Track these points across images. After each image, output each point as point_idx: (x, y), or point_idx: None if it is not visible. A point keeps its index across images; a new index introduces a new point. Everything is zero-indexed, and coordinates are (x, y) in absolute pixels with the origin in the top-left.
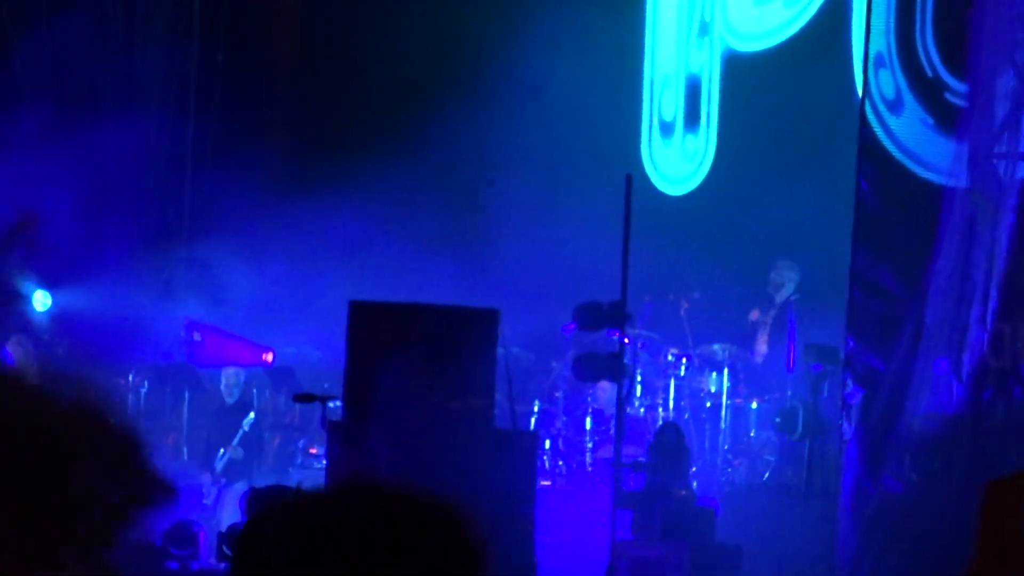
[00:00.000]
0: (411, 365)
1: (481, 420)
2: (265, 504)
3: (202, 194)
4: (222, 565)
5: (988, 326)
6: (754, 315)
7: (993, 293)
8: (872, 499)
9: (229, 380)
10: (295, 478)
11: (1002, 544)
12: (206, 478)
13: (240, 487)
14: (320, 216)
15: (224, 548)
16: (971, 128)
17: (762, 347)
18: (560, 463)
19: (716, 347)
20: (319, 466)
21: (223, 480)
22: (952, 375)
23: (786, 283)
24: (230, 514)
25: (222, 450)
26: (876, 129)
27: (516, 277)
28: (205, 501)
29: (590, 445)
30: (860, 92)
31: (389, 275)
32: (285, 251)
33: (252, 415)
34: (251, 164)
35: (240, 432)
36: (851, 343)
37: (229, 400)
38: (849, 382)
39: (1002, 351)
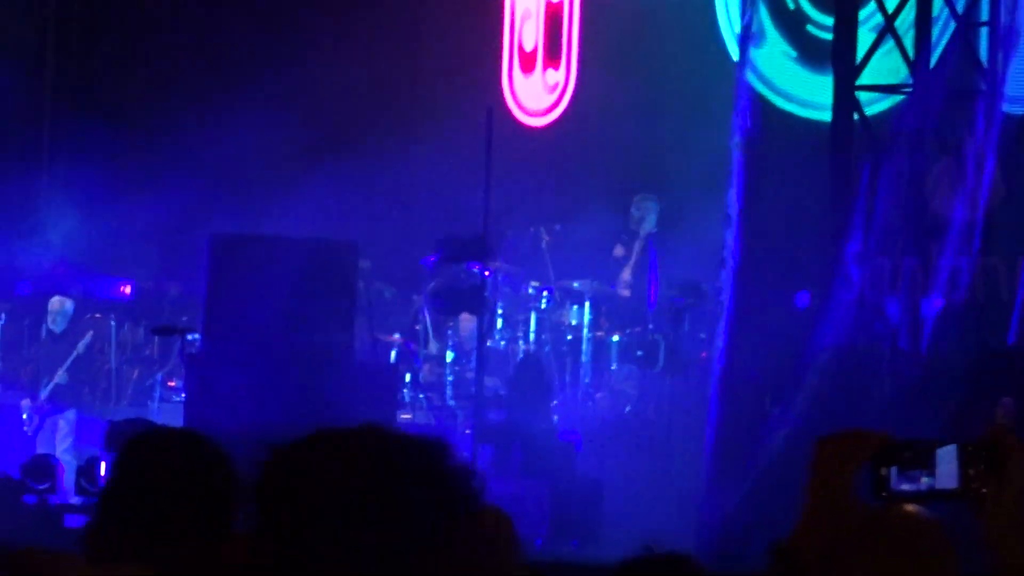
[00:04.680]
0: (270, 298)
1: (341, 354)
2: (278, 449)
3: (63, 127)
4: (80, 499)
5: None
6: (618, 251)
7: (874, 227)
8: (732, 437)
9: (53, 308)
10: (153, 411)
11: (827, 502)
12: (26, 404)
13: (70, 415)
14: (181, 147)
15: (83, 482)
16: (834, 60)
17: (626, 281)
18: (421, 397)
19: (576, 282)
20: (178, 399)
21: (47, 406)
22: (818, 308)
23: (646, 217)
24: (48, 441)
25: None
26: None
27: (376, 210)
28: (25, 429)
29: (451, 378)
30: (721, 24)
31: (248, 208)
32: (145, 183)
33: (89, 336)
34: (113, 99)
35: (73, 355)
36: (721, 277)
37: (54, 328)
38: (720, 313)
39: (881, 286)
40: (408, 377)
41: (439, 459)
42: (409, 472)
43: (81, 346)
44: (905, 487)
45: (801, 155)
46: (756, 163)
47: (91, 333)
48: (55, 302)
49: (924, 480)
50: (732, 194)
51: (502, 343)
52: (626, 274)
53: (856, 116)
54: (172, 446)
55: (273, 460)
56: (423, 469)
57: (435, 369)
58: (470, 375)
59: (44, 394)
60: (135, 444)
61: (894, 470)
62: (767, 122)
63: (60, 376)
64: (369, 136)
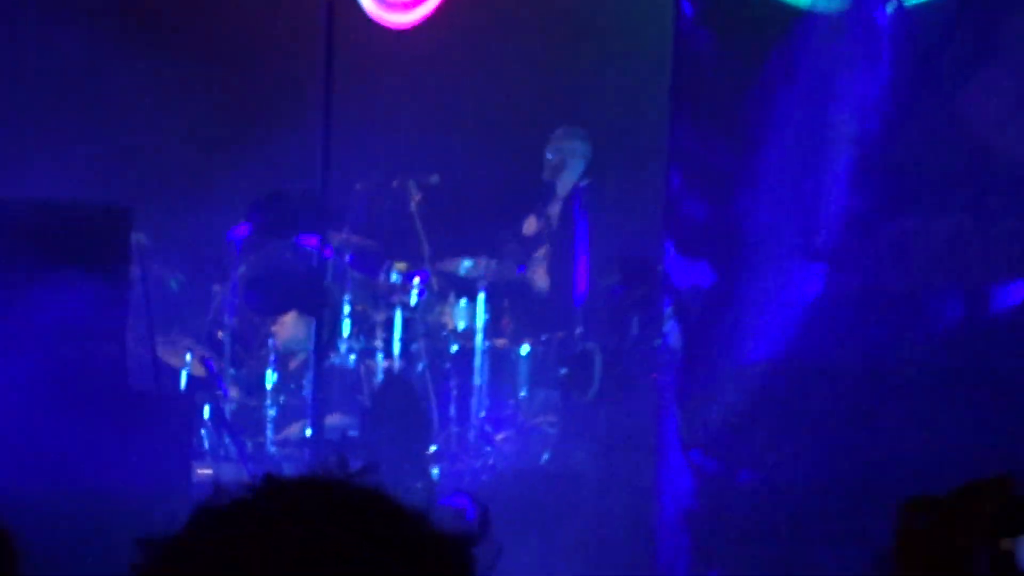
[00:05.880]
0: (13, 292)
1: (105, 377)
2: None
3: None
4: None
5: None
6: (529, 226)
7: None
8: (702, 493)
9: None
10: None
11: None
12: None
13: None
14: None
15: None
16: None
17: (541, 265)
18: (227, 441)
19: (466, 262)
20: None
21: None
22: (812, 299)
23: (569, 163)
24: None
25: None
26: None
27: (155, 159)
28: None
29: (273, 412)
30: None
31: None
32: None
33: None
34: None
35: None
36: (670, 251)
37: None
38: (668, 312)
39: (907, 263)
40: (207, 411)
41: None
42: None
43: None
44: None
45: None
46: (714, 78)
47: None
48: None
49: None
50: (678, 124)
51: (352, 358)
52: (541, 252)
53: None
54: None
55: (198, 527)
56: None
57: (249, 399)
58: (302, 407)
59: None
60: None
61: None
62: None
63: None
64: (140, 48)
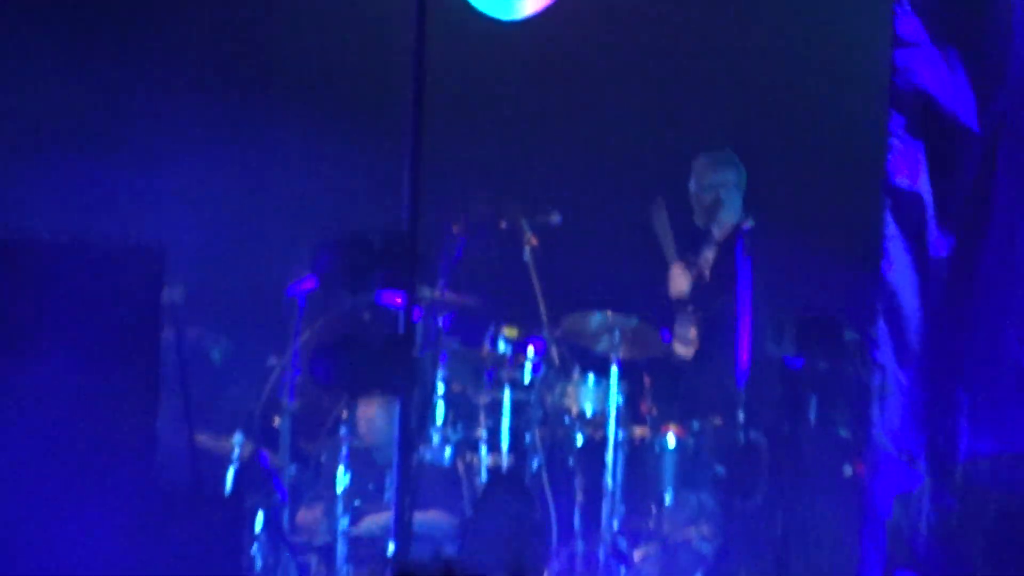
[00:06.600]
0: (13, 355)
1: (132, 468)
2: None
3: None
4: None
5: None
6: (677, 286)
7: None
8: None
9: None
10: None
11: None
12: None
13: None
14: None
15: None
16: None
17: (692, 331)
18: (286, 558)
19: (595, 321)
20: None
21: None
22: None
23: (725, 199)
24: None
25: None
26: None
27: (198, 196)
28: None
29: (345, 522)
30: None
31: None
32: None
33: None
34: None
35: None
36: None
37: None
38: (875, 389)
39: None
40: (260, 519)
41: None
42: None
43: None
44: None
45: None
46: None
47: None
48: None
49: None
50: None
51: (447, 452)
52: (691, 314)
53: None
54: None
55: None
56: None
57: (315, 504)
58: (383, 517)
59: None
60: None
61: None
62: None
63: None
64: (184, 68)
